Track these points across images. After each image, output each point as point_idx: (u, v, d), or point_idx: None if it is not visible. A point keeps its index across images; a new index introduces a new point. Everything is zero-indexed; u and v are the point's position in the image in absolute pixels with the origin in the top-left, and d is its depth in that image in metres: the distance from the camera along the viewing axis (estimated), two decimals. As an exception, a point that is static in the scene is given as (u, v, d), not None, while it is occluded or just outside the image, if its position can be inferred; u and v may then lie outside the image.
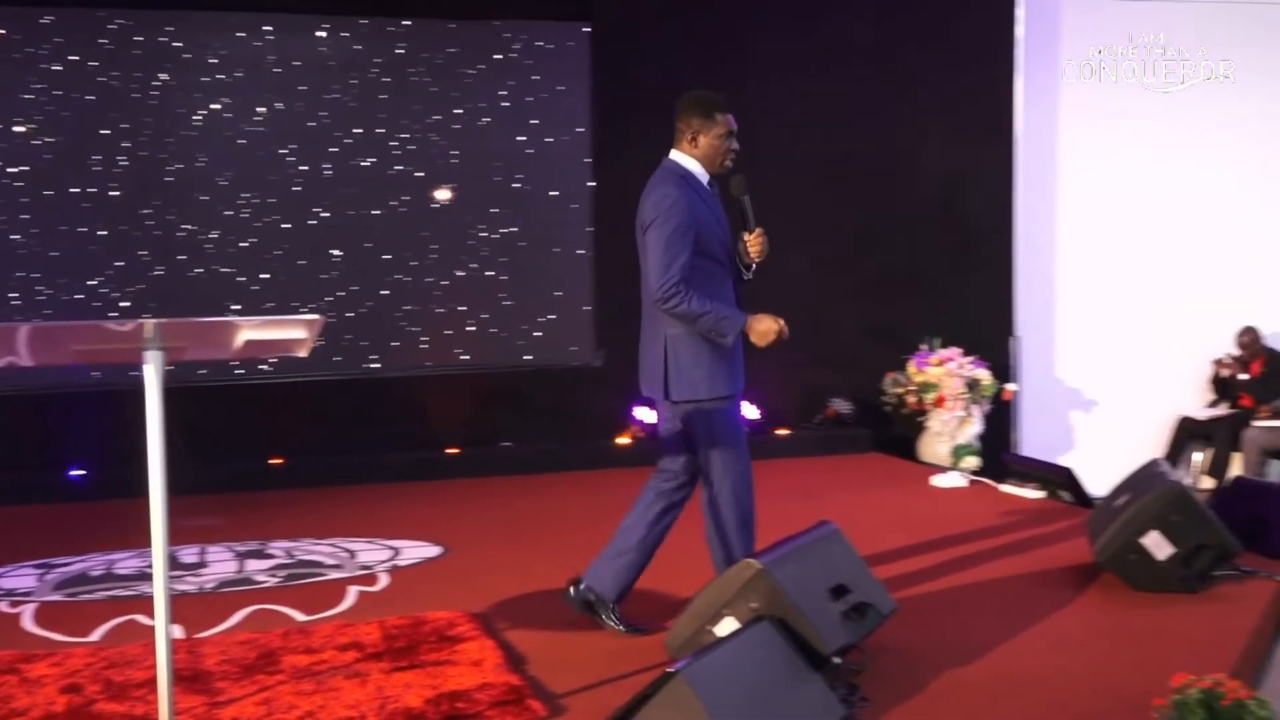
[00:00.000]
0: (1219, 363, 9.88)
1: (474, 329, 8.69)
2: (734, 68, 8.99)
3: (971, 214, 9.56)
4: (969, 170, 9.51)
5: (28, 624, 5.02)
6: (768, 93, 9.02)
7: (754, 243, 4.58)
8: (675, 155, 4.62)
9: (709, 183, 4.59)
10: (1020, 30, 9.55)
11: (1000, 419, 9.30)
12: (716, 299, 4.47)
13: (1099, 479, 6.94)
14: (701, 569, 4.71)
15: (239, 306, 8.21)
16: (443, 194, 8.60)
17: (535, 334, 8.79)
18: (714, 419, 4.58)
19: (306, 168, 8.39)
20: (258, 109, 8.32)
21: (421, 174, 8.57)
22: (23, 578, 5.77)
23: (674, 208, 4.41)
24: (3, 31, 7.92)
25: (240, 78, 8.29)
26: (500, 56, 8.64)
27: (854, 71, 9.23)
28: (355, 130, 8.46)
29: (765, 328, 4.45)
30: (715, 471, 4.58)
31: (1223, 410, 9.74)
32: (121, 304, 8.12)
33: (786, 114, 9.06)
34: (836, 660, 3.90)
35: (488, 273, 8.70)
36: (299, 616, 5.02)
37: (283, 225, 8.36)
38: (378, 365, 8.55)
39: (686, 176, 4.53)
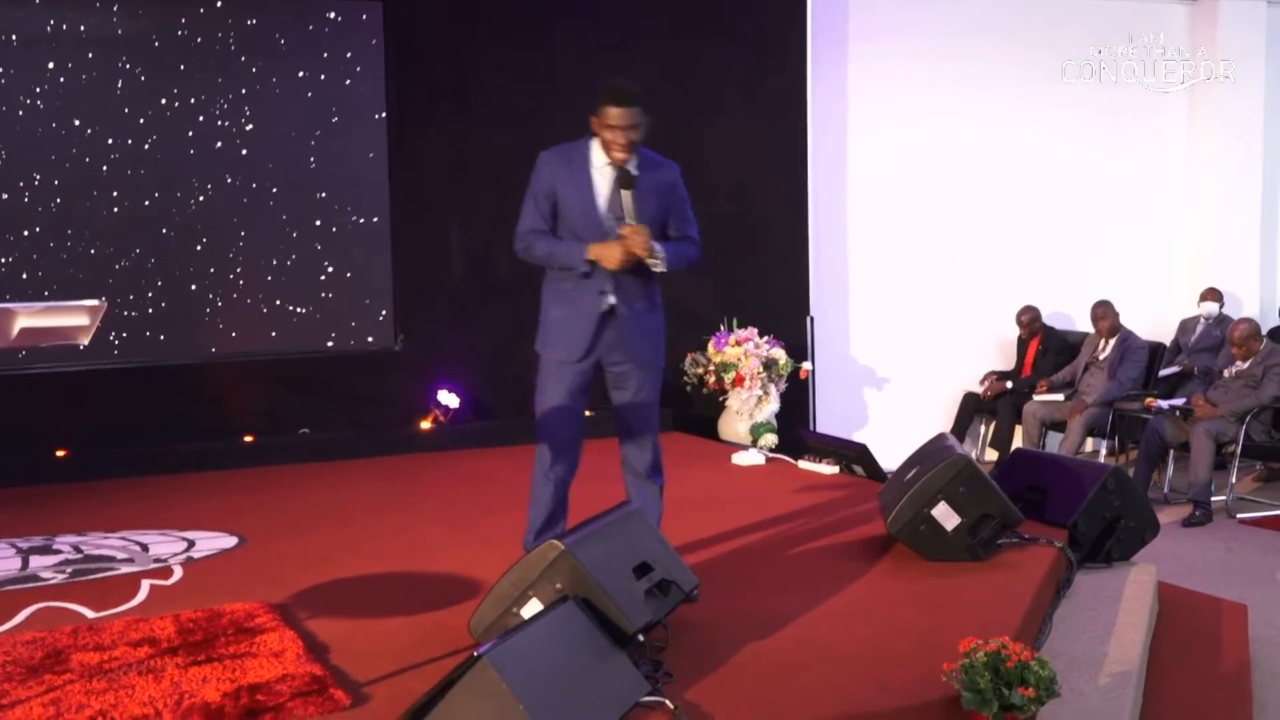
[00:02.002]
0: (987, 377, 10.32)
1: (269, 314, 8.48)
2: (530, 46, 8.98)
3: (766, 197, 9.73)
4: (763, 153, 9.68)
5: None
6: (563, 70, 9.01)
7: (627, 233, 4.70)
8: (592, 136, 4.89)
9: (614, 167, 4.80)
10: (810, 7, 9.74)
11: (797, 397, 9.52)
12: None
13: (891, 453, 7.17)
14: (495, 554, 4.75)
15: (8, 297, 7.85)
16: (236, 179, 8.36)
17: (333, 319, 8.63)
18: (539, 378, 5.05)
19: (84, 149, 8.04)
20: (37, 83, 7.92)
21: (215, 155, 8.30)
22: None
23: (533, 176, 4.94)
24: None
25: (14, 44, 7.90)
26: (293, 34, 8.42)
27: (647, 51, 9.29)
28: (144, 109, 8.14)
29: (608, 253, 4.72)
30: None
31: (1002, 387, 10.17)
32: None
33: (584, 91, 8.97)
34: (640, 638, 3.96)
35: (286, 257, 8.49)
36: (89, 613, 4.84)
37: (63, 209, 7.99)
38: (169, 352, 8.27)
39: (574, 154, 4.87)
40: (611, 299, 4.82)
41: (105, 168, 8.08)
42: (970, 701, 3.54)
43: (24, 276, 7.88)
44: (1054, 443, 9.87)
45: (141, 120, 8.17)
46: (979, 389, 10.31)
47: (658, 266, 4.77)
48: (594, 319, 4.83)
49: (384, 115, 8.62)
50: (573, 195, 4.81)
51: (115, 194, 8.11)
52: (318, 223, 8.54)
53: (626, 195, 4.70)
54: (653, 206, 4.79)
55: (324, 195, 8.56)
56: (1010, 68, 10.50)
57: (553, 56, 9.03)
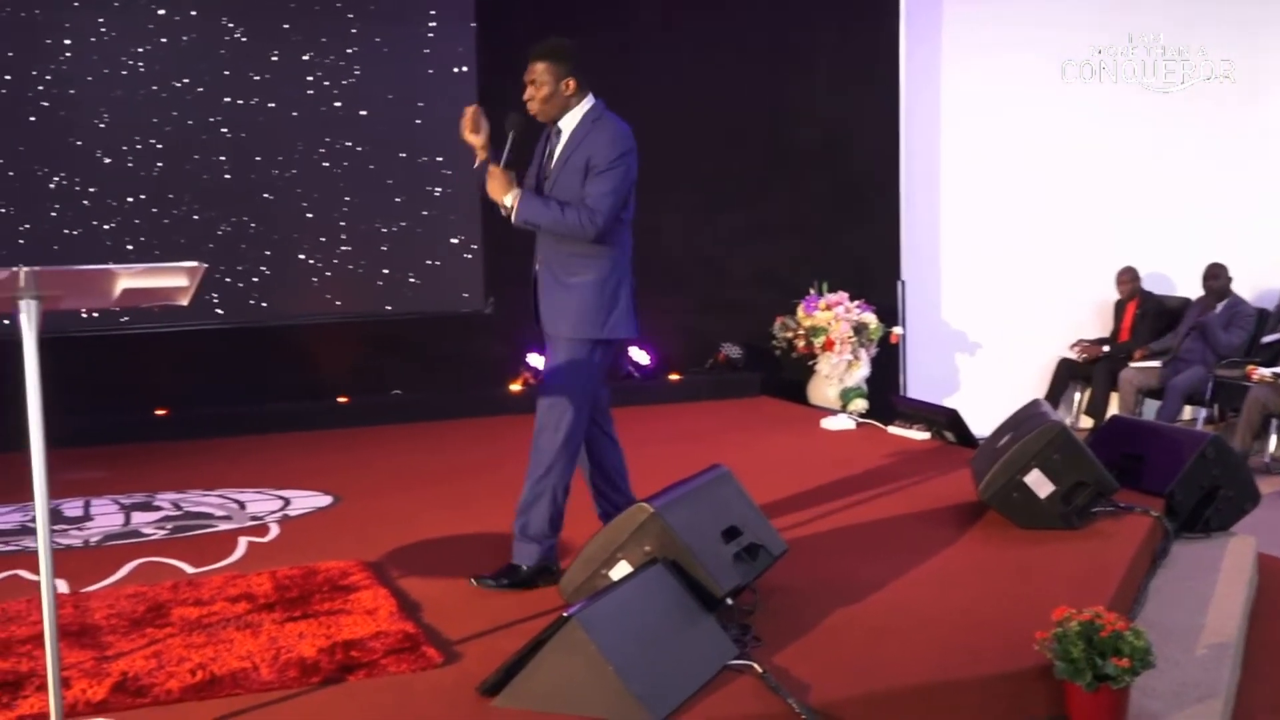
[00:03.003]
0: (1078, 345, 10.13)
1: (364, 276, 8.57)
2: (618, 10, 8.95)
3: (858, 158, 9.64)
4: (854, 114, 9.58)
5: (-96, 582, 4.89)
6: (655, 35, 9.00)
7: (491, 173, 4.58)
8: None
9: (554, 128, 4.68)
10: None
11: (887, 362, 9.45)
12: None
13: (983, 419, 7.10)
14: (584, 515, 4.77)
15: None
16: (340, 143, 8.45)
17: (425, 281, 8.70)
18: None
19: (186, 112, 8.17)
20: (139, 45, 8.06)
21: (307, 119, 8.39)
22: (-103, 535, 5.62)
23: None
24: None
25: (116, 5, 8.03)
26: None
27: (740, 11, 9.23)
28: (238, 74, 8.26)
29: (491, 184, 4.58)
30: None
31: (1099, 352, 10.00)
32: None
33: (677, 57, 9.06)
34: (729, 601, 3.96)
35: (376, 220, 8.57)
36: (188, 569, 4.96)
37: (166, 172, 8.14)
38: (266, 313, 8.40)
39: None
40: (536, 266, 4.68)
41: (206, 133, 8.19)
42: (1063, 671, 3.50)
43: (127, 244, 8.05)
44: (1151, 410, 9.69)
45: (244, 82, 8.28)
46: (1074, 354, 10.15)
47: (503, 210, 4.57)
48: (531, 288, 4.72)
49: (475, 78, 8.63)
50: (532, 161, 4.77)
51: (220, 158, 8.23)
52: (409, 186, 8.61)
53: (510, 138, 4.59)
54: (569, 165, 4.55)
55: (416, 159, 8.62)
56: (1114, 25, 10.25)
57: (639, 18, 9.00)
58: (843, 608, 4.25)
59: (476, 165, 4.66)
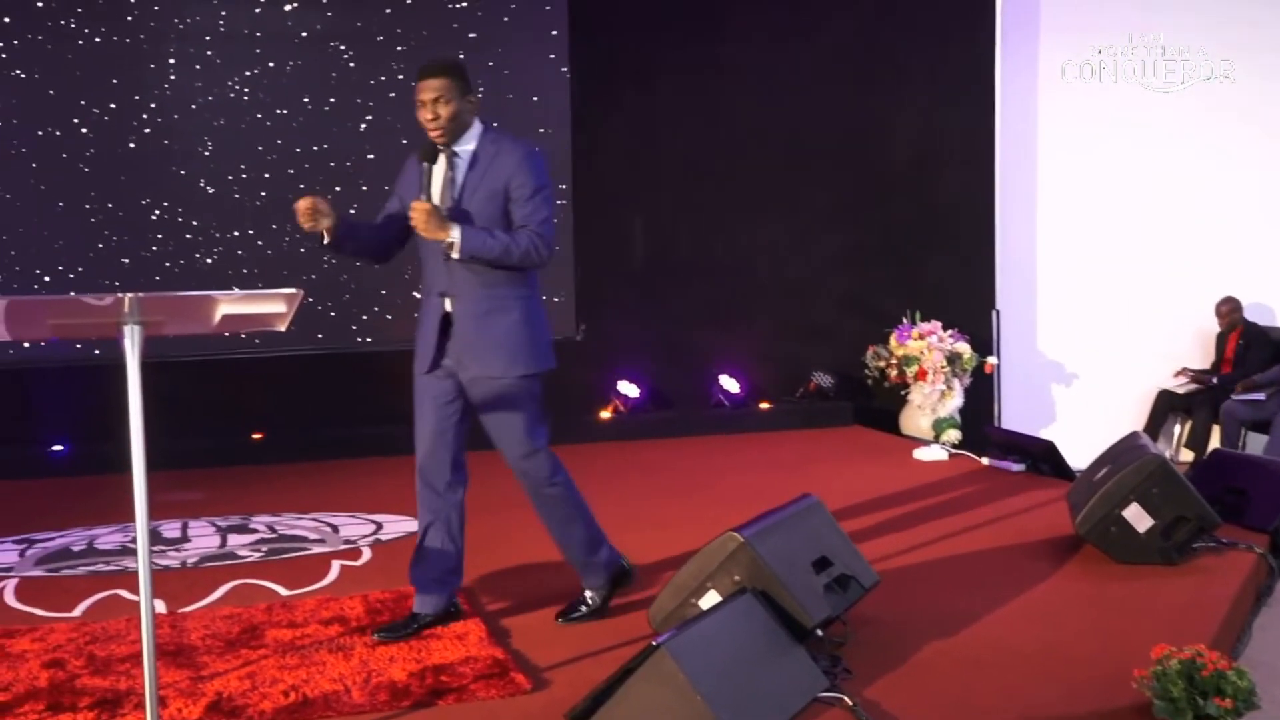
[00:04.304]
0: (1183, 372, 9.92)
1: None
2: (710, 34, 8.99)
3: (952, 185, 9.56)
4: (949, 138, 9.50)
5: (9, 599, 5.01)
6: (744, 60, 9.01)
7: (412, 209, 4.14)
8: None
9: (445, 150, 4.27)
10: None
11: (981, 392, 9.33)
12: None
13: (1080, 452, 6.97)
14: (673, 543, 4.74)
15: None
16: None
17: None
18: None
19: (290, 139, 8.29)
20: (245, 72, 8.22)
21: (404, 141, 8.46)
22: (4, 553, 5.75)
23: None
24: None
25: (221, 31, 8.18)
26: (480, 23, 8.55)
27: (832, 38, 9.21)
28: (344, 101, 8.34)
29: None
30: None
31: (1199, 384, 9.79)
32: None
33: (765, 81, 9.06)
34: (819, 632, 3.92)
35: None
36: (282, 591, 5.02)
37: (269, 201, 8.25)
38: (360, 339, 8.51)
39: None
40: (448, 304, 4.27)
41: (309, 161, 8.31)
42: (1162, 710, 3.42)
43: (229, 274, 8.18)
44: (1255, 445, 9.45)
45: (350, 108, 8.38)
46: (1173, 385, 9.93)
47: (451, 251, 4.13)
48: (436, 325, 4.30)
49: (567, 103, 8.70)
50: (404, 190, 4.35)
51: (326, 186, 8.34)
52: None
53: (425, 169, 4.21)
54: (482, 190, 4.19)
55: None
56: (1212, 50, 10.07)
57: (732, 42, 9.02)
58: (935, 641, 4.20)
59: (326, 243, 4.27)
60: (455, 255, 4.13)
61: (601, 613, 4.57)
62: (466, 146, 4.24)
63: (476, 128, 4.27)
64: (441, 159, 4.25)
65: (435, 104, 4.15)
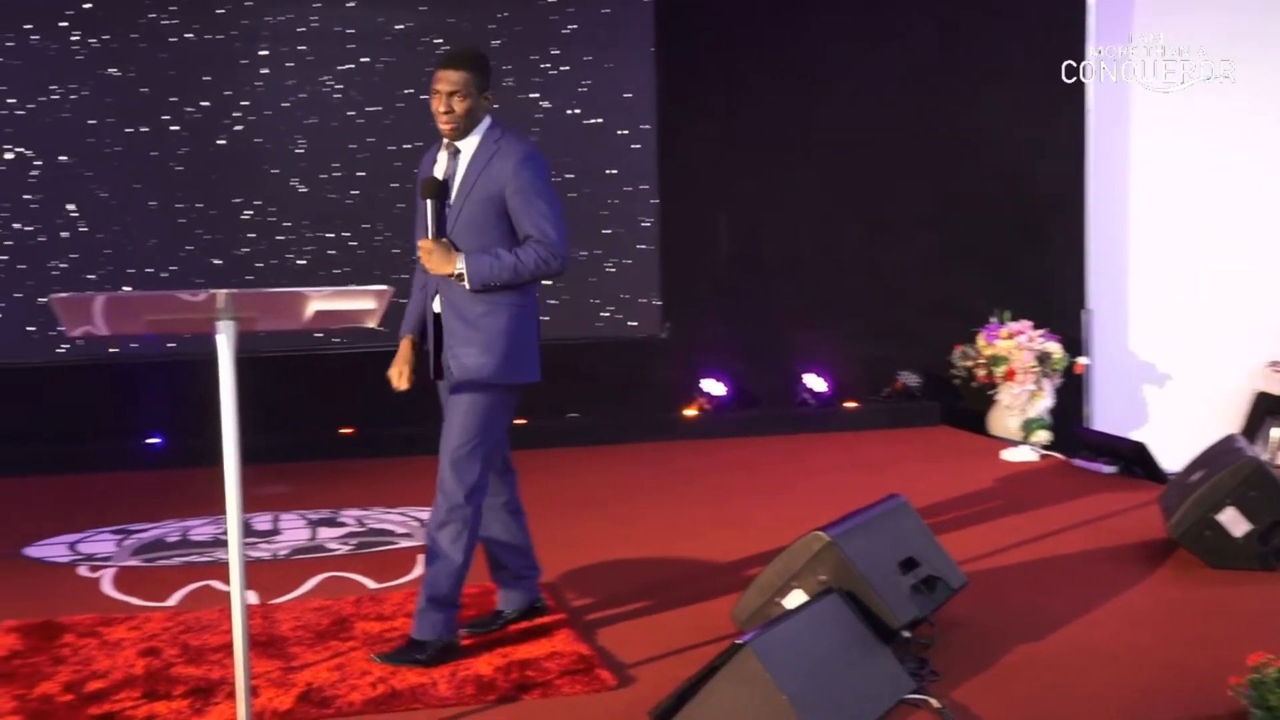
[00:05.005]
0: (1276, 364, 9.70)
1: (542, 300, 8.64)
2: (797, 33, 8.93)
3: (1042, 183, 9.42)
4: (1039, 137, 9.37)
5: (107, 588, 5.12)
6: (831, 58, 8.94)
7: (421, 251, 4.06)
8: None
9: (449, 145, 4.17)
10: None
11: (1072, 393, 9.19)
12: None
13: (1173, 454, 6.84)
14: (757, 542, 4.73)
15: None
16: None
17: (601, 306, 8.77)
18: None
19: (383, 138, 8.34)
20: (322, 75, 8.24)
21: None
22: (102, 543, 5.88)
23: None
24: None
25: (314, 25, 8.21)
26: (569, 24, 8.56)
27: (920, 36, 9.12)
28: (423, 96, 8.28)
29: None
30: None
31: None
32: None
33: (851, 80, 8.99)
34: (906, 634, 3.89)
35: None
36: (370, 584, 5.09)
37: (361, 200, 8.31)
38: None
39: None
40: (436, 304, 4.16)
41: (401, 160, 8.33)
42: (1260, 719, 3.35)
43: (320, 275, 8.22)
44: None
45: (415, 111, 8.29)
46: (1271, 388, 9.71)
47: (461, 283, 4.02)
48: (431, 330, 4.20)
49: (653, 101, 8.69)
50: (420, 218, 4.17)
51: (410, 185, 8.34)
52: (587, 210, 8.68)
53: (426, 205, 4.06)
54: (477, 192, 4.06)
55: (598, 184, 8.69)
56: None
57: (818, 42, 8.97)
58: (1024, 644, 4.15)
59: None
60: (466, 286, 4.01)
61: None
62: (470, 144, 4.12)
63: (484, 124, 4.13)
64: (443, 158, 4.15)
65: (451, 97, 4.04)
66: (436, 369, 4.22)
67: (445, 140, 4.15)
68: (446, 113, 4.05)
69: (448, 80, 4.04)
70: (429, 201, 4.06)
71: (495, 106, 4.24)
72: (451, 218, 4.08)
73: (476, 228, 4.05)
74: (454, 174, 4.11)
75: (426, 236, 4.06)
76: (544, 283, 4.49)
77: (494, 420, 4.15)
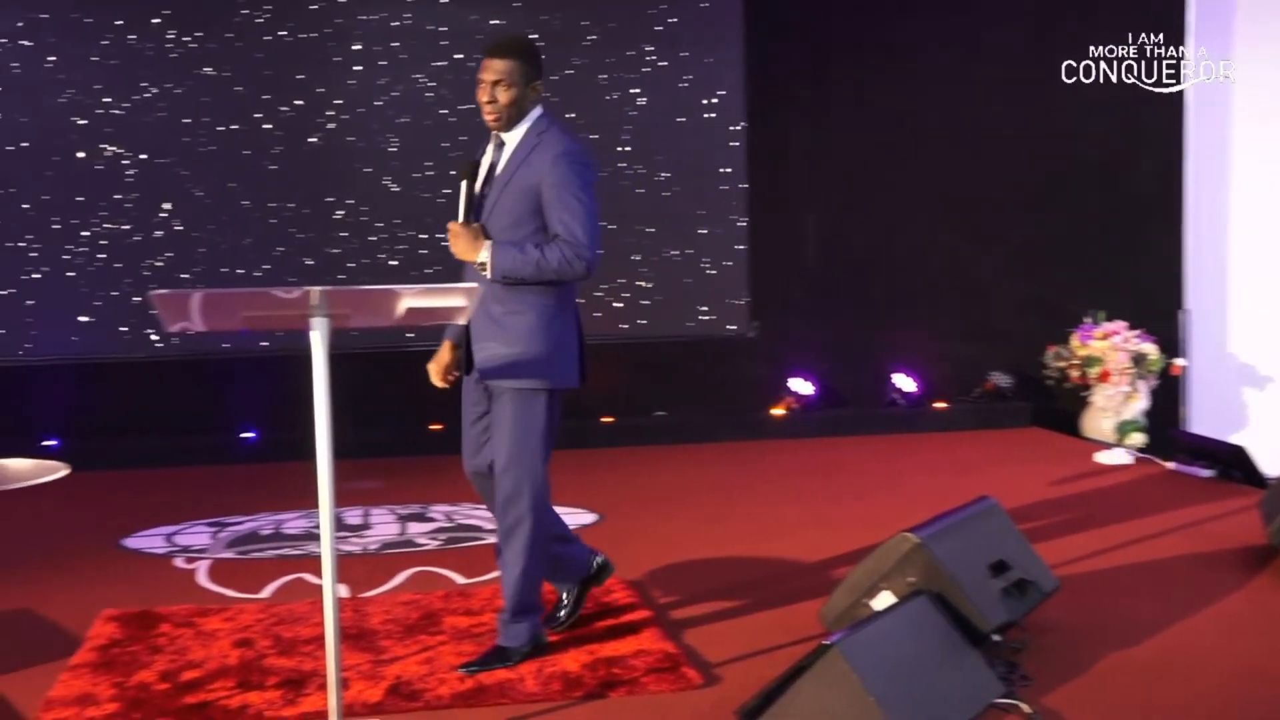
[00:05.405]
0: None
1: (628, 298, 8.67)
2: (888, 31, 8.87)
3: (1139, 181, 9.25)
4: (1135, 135, 9.20)
5: (202, 579, 5.22)
6: (922, 58, 8.86)
7: (450, 234, 4.02)
8: None
9: (495, 137, 4.09)
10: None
11: (1168, 395, 9.01)
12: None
13: (1273, 458, 6.70)
14: (845, 542, 4.69)
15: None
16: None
17: (689, 304, 8.75)
18: None
19: (475, 136, 8.35)
20: (415, 74, 8.27)
21: (594, 136, 8.46)
22: (197, 535, 6.00)
23: None
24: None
25: (379, 51, 8.25)
26: (658, 22, 8.55)
27: (1013, 34, 9.00)
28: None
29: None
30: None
31: None
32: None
33: (943, 80, 8.89)
34: (996, 638, 3.85)
35: (645, 242, 8.66)
36: (459, 579, 5.13)
37: (446, 195, 8.34)
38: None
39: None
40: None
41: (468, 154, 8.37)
42: (1363, 730, 3.26)
43: (412, 273, 8.25)
44: None
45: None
46: None
47: (484, 272, 3.95)
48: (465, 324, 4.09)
49: (743, 100, 8.64)
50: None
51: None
52: (677, 209, 8.67)
53: (463, 186, 4.02)
54: (514, 185, 3.97)
55: (687, 183, 8.67)
56: None
57: (909, 38, 8.88)
58: (1118, 650, 4.08)
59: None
60: (488, 275, 3.94)
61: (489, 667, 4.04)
62: (515, 136, 4.01)
63: (533, 116, 4.02)
64: (488, 154, 4.08)
65: (495, 87, 3.92)
66: (469, 363, 4.15)
67: (492, 133, 4.05)
68: (490, 102, 3.95)
69: (493, 69, 3.93)
70: (463, 183, 4.01)
71: (549, 97, 4.17)
72: (487, 208, 4.01)
73: (511, 221, 3.97)
74: (496, 164, 4.04)
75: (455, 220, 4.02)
76: (590, 283, 4.40)
77: (533, 426, 4.03)
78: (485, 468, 4.21)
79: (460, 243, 3.97)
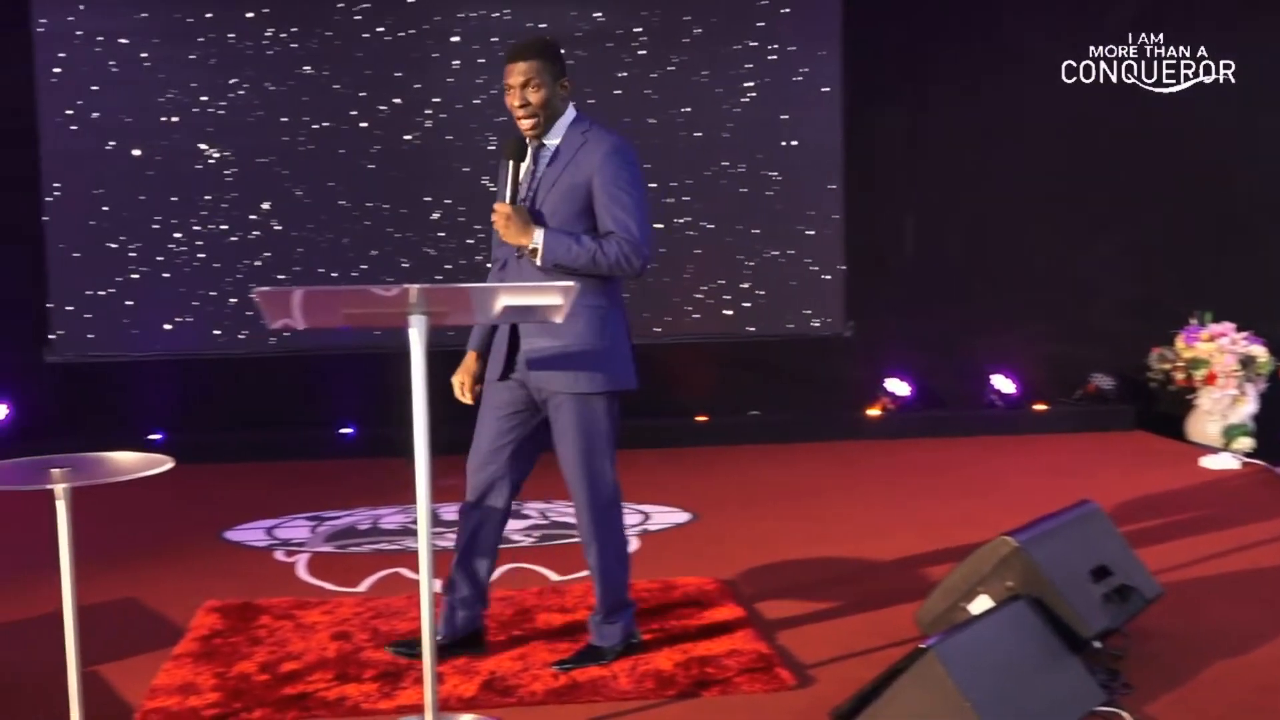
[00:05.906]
0: None
1: (726, 297, 8.65)
2: (986, 29, 8.75)
3: (1247, 180, 9.03)
4: (1246, 134, 8.98)
5: (301, 573, 5.31)
6: (1026, 54, 8.73)
7: (498, 215, 3.87)
8: None
9: (533, 145, 3.97)
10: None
11: (1277, 398, 8.80)
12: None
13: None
14: (942, 545, 4.64)
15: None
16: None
17: (785, 304, 8.70)
18: None
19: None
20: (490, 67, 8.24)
21: (698, 134, 8.51)
22: (297, 529, 6.09)
23: None
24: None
25: (478, 49, 8.25)
26: (756, 19, 8.51)
27: (1116, 31, 8.82)
28: (632, 94, 8.34)
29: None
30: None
31: None
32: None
33: (1048, 75, 8.75)
34: (1097, 644, 3.78)
35: (741, 241, 8.62)
36: (553, 576, 5.16)
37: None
38: (633, 332, 8.57)
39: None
40: None
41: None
42: None
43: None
44: None
45: (637, 100, 8.34)
46: None
47: (534, 258, 3.84)
48: (507, 329, 3.97)
49: (839, 99, 8.57)
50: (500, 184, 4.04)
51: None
52: (772, 207, 8.62)
53: (508, 166, 3.87)
54: (561, 184, 3.86)
55: (786, 181, 8.61)
56: None
57: (1006, 33, 8.76)
58: (1224, 659, 3.99)
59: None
60: (538, 262, 3.83)
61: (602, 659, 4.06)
62: (555, 137, 3.92)
63: (569, 116, 3.94)
64: (527, 158, 3.94)
65: (525, 89, 3.82)
66: (506, 370, 3.99)
67: (529, 138, 3.93)
68: (523, 106, 3.85)
69: (518, 71, 3.83)
70: (509, 162, 3.87)
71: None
72: (533, 214, 3.89)
73: (558, 223, 3.86)
74: (537, 168, 3.93)
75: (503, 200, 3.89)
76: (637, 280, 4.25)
77: (596, 430, 3.96)
78: (496, 478, 4.13)
79: (511, 225, 3.83)
